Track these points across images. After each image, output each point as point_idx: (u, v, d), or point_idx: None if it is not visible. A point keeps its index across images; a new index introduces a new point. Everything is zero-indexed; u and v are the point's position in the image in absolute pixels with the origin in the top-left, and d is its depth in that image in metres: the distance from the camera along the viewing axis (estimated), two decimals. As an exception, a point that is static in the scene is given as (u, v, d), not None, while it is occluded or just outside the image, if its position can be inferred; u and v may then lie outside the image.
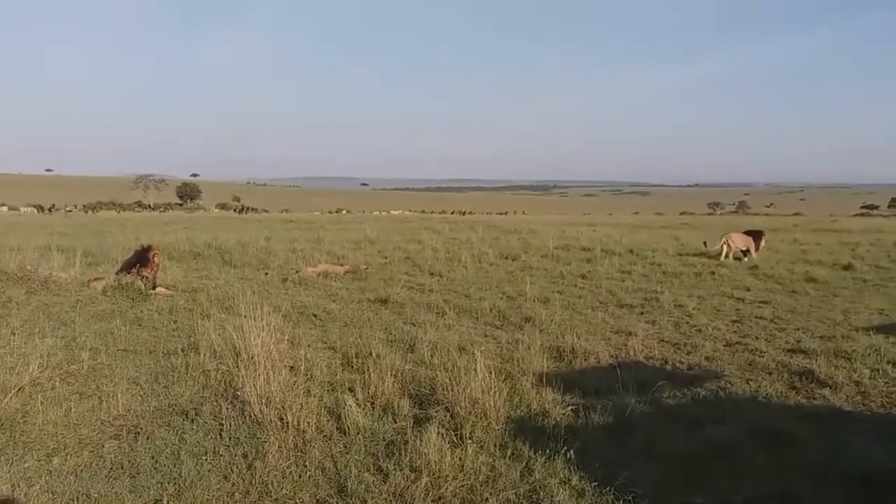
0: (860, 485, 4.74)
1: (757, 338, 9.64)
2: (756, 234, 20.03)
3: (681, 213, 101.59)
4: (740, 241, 19.54)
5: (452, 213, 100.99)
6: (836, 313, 11.54)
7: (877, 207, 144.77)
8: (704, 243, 20.67)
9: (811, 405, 6.72)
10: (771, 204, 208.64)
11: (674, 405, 6.61)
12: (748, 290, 14.12)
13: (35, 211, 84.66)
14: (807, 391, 7.13)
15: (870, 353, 8.33)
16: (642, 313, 11.59)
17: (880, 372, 7.70)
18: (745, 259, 19.02)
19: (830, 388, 7.15)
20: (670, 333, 9.98)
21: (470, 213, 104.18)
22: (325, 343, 8.85)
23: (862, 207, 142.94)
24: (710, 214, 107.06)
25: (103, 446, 5.30)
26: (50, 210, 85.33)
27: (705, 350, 8.88)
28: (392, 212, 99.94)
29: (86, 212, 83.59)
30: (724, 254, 19.09)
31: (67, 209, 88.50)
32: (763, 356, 8.53)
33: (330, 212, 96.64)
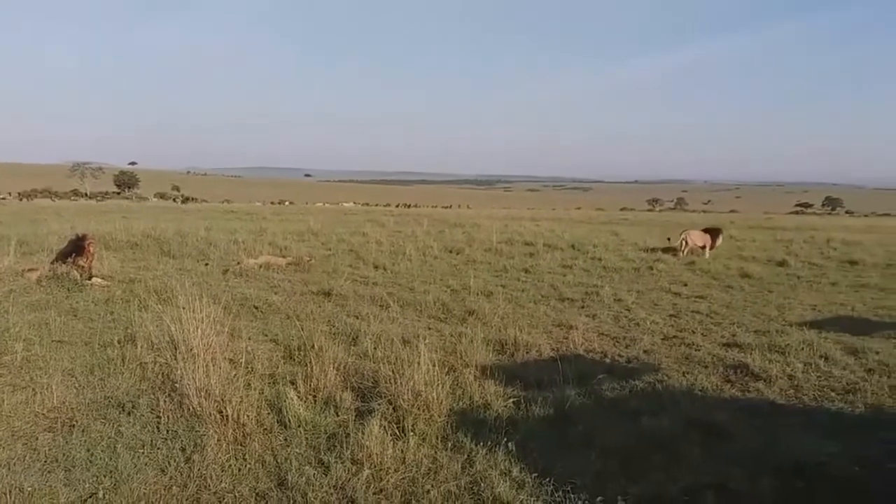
0: (793, 476, 4.89)
1: (693, 332, 9.89)
2: (714, 232, 20.53)
3: (621, 209, 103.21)
4: (698, 238, 20.04)
5: (397, 205, 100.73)
6: (770, 308, 11.90)
7: (811, 206, 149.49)
8: (668, 239, 21.37)
9: (746, 398, 6.90)
10: (708, 201, 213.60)
11: (613, 397, 6.72)
12: (685, 285, 14.43)
13: None
14: (742, 384, 7.33)
15: (803, 348, 8.58)
16: (583, 307, 11.75)
17: (813, 366, 7.95)
18: (704, 255, 19.46)
19: (764, 381, 7.36)
20: (610, 327, 10.16)
21: (415, 206, 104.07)
22: (267, 335, 8.77)
23: (796, 205, 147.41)
24: (649, 210, 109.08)
25: (37, 439, 5.18)
26: None
27: (643, 344, 9.05)
28: (344, 204, 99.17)
29: (20, 199, 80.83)
30: (682, 249, 19.50)
31: (1, 196, 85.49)
32: (699, 350, 8.76)
33: (273, 203, 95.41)
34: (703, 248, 19.87)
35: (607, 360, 8.21)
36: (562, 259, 18.17)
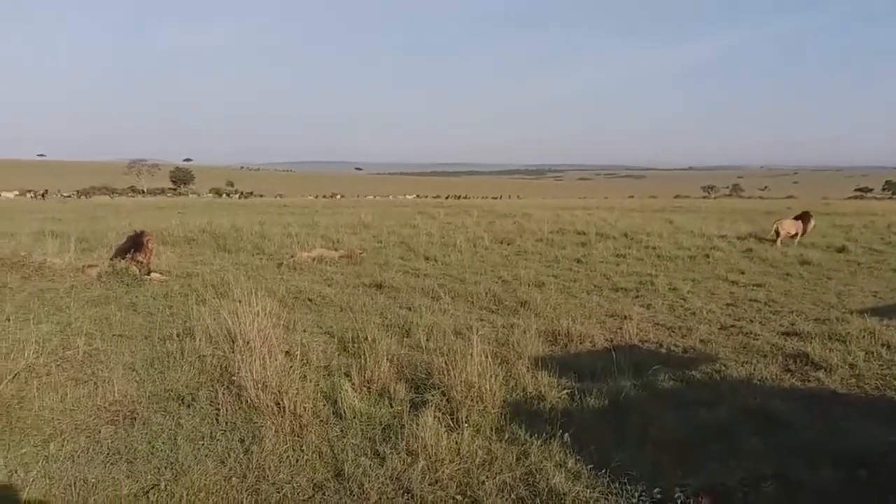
0: (854, 465, 4.76)
1: (751, 321, 9.68)
2: (804, 218, 20.17)
3: (675, 197, 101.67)
4: (791, 227, 19.73)
5: (447, 197, 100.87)
6: (830, 296, 11.59)
7: (870, 190, 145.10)
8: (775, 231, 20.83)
9: (806, 387, 6.73)
10: (765, 187, 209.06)
11: (669, 388, 6.62)
12: (742, 273, 14.13)
13: (19, 196, 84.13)
14: (801, 374, 7.15)
15: (864, 336, 8.34)
16: (637, 297, 11.59)
17: (874, 354, 7.72)
18: (794, 242, 19.19)
19: (825, 370, 7.17)
20: (665, 317, 10.00)
21: (465, 197, 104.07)
22: (321, 328, 8.85)
23: (856, 190, 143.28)
24: (704, 198, 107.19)
25: (100, 431, 5.30)
26: (43, 196, 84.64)
27: (700, 333, 8.89)
28: (407, 196, 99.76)
29: (79, 197, 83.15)
30: (777, 239, 19.20)
31: (66, 195, 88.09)
32: (758, 339, 8.56)
33: (324, 196, 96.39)
34: (795, 235, 19.53)
35: (663, 351, 8.09)
36: (615, 248, 17.94)
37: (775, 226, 19.74)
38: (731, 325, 9.38)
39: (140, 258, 12.36)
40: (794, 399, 6.27)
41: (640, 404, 6.02)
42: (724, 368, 7.30)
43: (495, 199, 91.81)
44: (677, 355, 7.89)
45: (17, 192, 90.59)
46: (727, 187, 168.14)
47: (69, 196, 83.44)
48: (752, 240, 19.68)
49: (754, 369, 7.26)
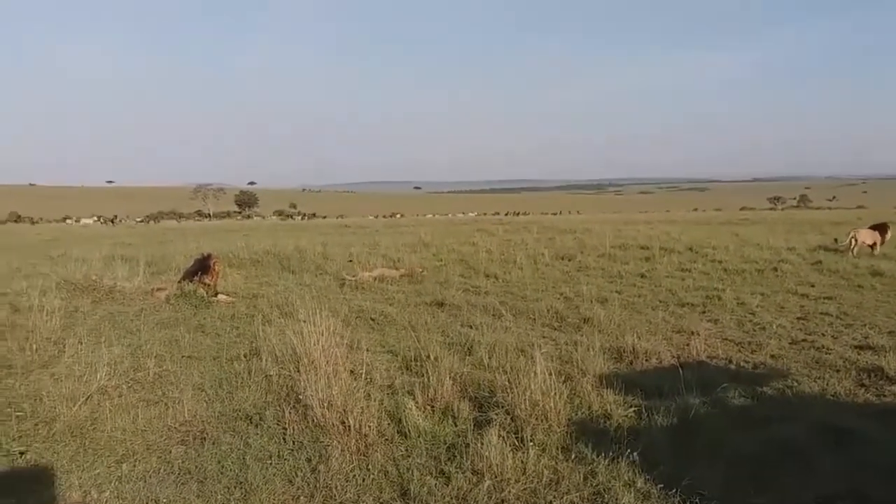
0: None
1: (823, 335, 9.38)
2: (881, 227, 19.65)
3: (741, 209, 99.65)
4: (867, 237, 19.23)
5: (506, 214, 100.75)
6: (904, 308, 11.16)
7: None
8: (835, 240, 20.40)
9: (881, 402, 6.50)
10: (833, 197, 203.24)
11: (739, 405, 6.45)
12: (812, 286, 13.73)
13: (97, 222, 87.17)
14: (876, 388, 6.90)
15: (942, 349, 8.02)
16: (704, 312, 11.35)
17: (954, 368, 7.39)
18: (874, 252, 18.73)
19: (901, 384, 6.92)
20: (733, 332, 9.76)
21: (524, 213, 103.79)
22: (384, 346, 8.90)
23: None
24: (770, 209, 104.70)
25: (171, 452, 5.41)
26: (112, 221, 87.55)
27: (770, 348, 8.64)
28: (469, 214, 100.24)
29: (147, 222, 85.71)
30: (852, 248, 18.80)
31: (138, 220, 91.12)
32: (830, 353, 8.29)
33: (384, 216, 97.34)
34: (873, 245, 18.98)
35: (732, 367, 7.89)
36: (679, 262, 17.61)
37: (851, 235, 19.17)
38: (802, 340, 9.10)
39: (207, 280, 12.64)
40: (869, 415, 6.05)
41: (709, 422, 5.87)
42: (795, 384, 7.08)
43: (555, 215, 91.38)
44: (747, 371, 7.68)
45: (94, 219, 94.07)
46: (794, 198, 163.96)
47: (140, 221, 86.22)
48: (821, 251, 19.12)
49: (827, 384, 7.03)
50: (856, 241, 18.81)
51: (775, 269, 15.94)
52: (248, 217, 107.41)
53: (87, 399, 6.26)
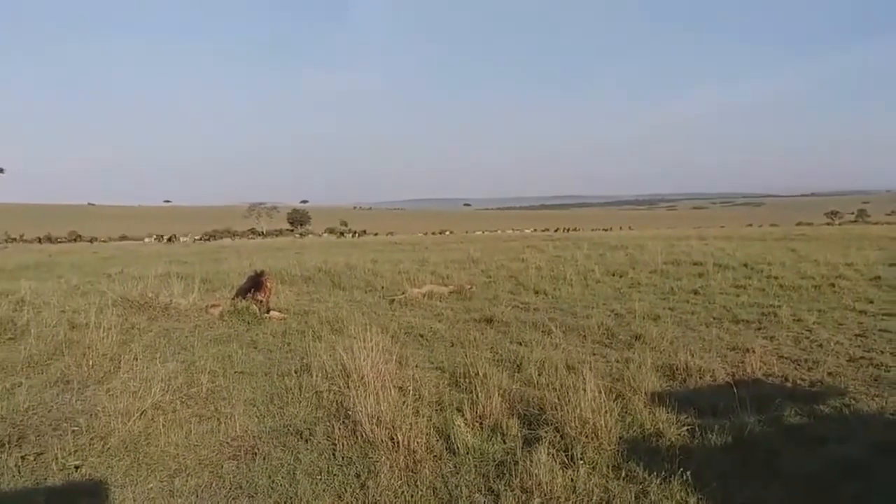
0: None
1: (882, 352, 9.09)
2: None
3: (797, 224, 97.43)
4: None
5: (556, 230, 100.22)
6: (969, 325, 10.77)
7: None
8: None
9: (945, 422, 6.27)
10: (893, 212, 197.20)
11: (796, 423, 6.28)
12: (871, 302, 13.34)
13: (154, 241, 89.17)
14: (938, 407, 6.67)
15: None
16: (759, 329, 11.10)
17: None
18: None
19: (964, 403, 6.68)
20: (790, 349, 9.53)
21: (574, 229, 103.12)
22: (433, 363, 8.90)
23: None
24: (828, 224, 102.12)
25: (222, 467, 5.48)
26: (171, 240, 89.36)
27: (827, 366, 8.41)
28: (518, 230, 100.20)
29: (205, 240, 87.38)
30: None
31: (196, 238, 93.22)
32: (889, 371, 8.06)
33: (434, 233, 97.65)
34: None
35: (788, 385, 7.69)
36: (734, 279, 17.26)
37: None
38: (861, 357, 8.83)
39: (260, 297, 12.81)
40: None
41: (765, 440, 5.75)
42: (853, 402, 6.87)
43: (606, 230, 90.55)
44: (803, 389, 7.48)
45: (152, 238, 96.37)
46: (852, 213, 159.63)
47: (199, 239, 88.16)
48: (880, 267, 18.59)
49: (886, 403, 6.82)
50: None
51: (832, 286, 15.54)
52: (302, 235, 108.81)
53: (141, 414, 6.39)
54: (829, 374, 8.09)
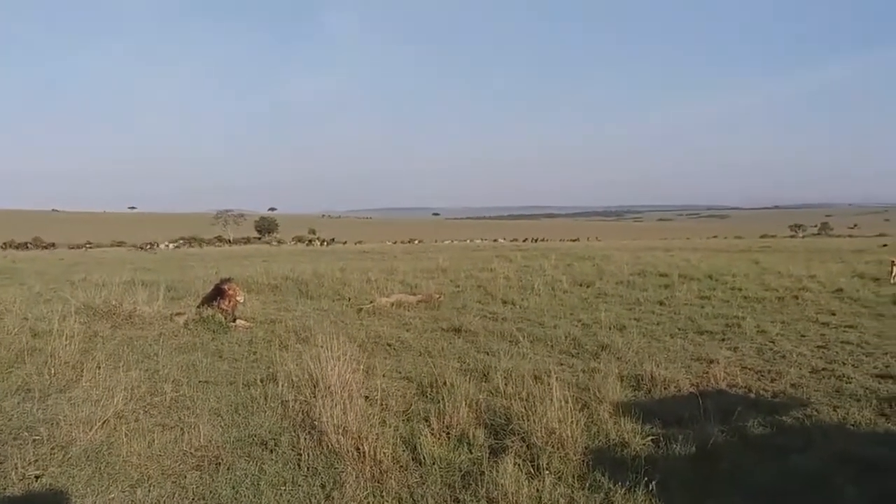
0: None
1: (844, 363, 9.26)
2: None
3: (761, 236, 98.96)
4: None
5: (525, 240, 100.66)
6: (926, 337, 11.02)
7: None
8: (892, 262, 20.17)
9: (904, 432, 6.40)
10: (854, 225, 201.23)
11: (759, 434, 6.37)
12: (833, 314, 13.61)
13: (133, 248, 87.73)
14: (898, 418, 6.80)
15: (964, 378, 7.92)
16: (724, 340, 11.26)
17: (976, 397, 7.28)
18: None
19: (923, 414, 6.81)
20: (753, 360, 9.66)
21: (542, 240, 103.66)
22: (400, 373, 8.88)
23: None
24: (791, 237, 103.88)
25: (185, 477, 5.39)
26: (150, 247, 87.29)
27: (790, 377, 8.55)
28: (486, 240, 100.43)
29: (177, 247, 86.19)
30: (892, 275, 18.95)
31: (174, 245, 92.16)
32: (850, 382, 8.20)
33: (403, 242, 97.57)
34: None
35: (751, 395, 7.80)
36: (699, 290, 17.50)
37: (893, 262, 19.40)
38: (823, 369, 8.99)
39: (225, 306, 12.68)
40: (891, 445, 5.94)
41: (729, 451, 5.81)
42: (815, 413, 6.99)
43: (574, 241, 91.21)
44: (766, 400, 7.59)
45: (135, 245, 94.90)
46: (815, 226, 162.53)
47: (177, 246, 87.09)
48: (843, 279, 18.97)
49: (847, 414, 6.94)
50: None
51: (796, 297, 15.83)
52: (279, 242, 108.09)
53: (103, 423, 6.28)
54: (792, 385, 8.22)
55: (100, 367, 8.32)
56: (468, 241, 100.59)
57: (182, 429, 6.39)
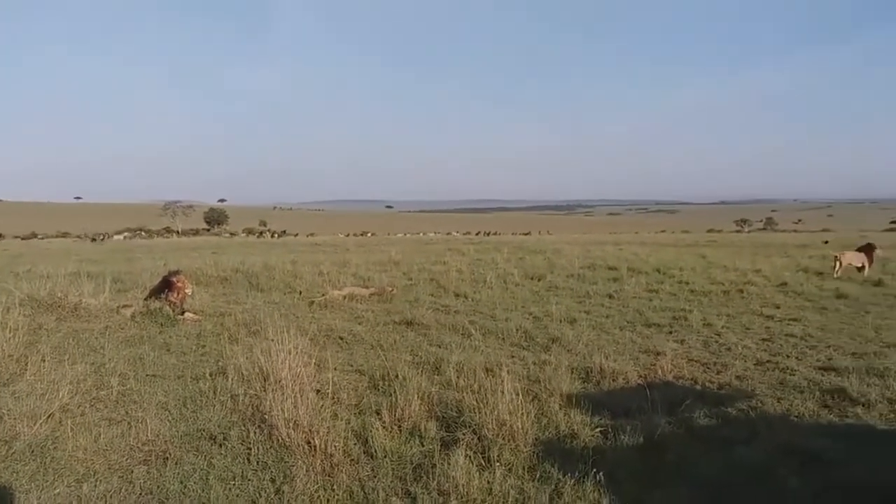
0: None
1: (788, 356, 9.51)
2: (868, 249, 20.18)
3: (708, 231, 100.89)
4: (855, 259, 19.80)
5: (477, 234, 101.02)
6: (867, 330, 11.38)
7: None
8: (835, 256, 20.59)
9: (844, 424, 6.59)
10: (799, 220, 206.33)
11: (705, 425, 6.50)
12: (778, 307, 13.95)
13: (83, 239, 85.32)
14: (839, 409, 6.99)
15: (903, 370, 8.19)
16: (671, 332, 11.46)
17: (914, 389, 7.54)
18: (863, 274, 19.23)
19: (863, 406, 7.01)
20: (700, 353, 9.86)
21: (495, 233, 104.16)
22: (352, 366, 8.84)
23: (892, 222, 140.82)
24: (737, 232, 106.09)
25: (132, 472, 5.31)
26: (102, 238, 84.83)
27: (735, 369, 8.75)
28: (440, 233, 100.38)
29: (124, 239, 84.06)
30: (836, 270, 19.38)
31: (124, 236, 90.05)
32: (794, 374, 8.41)
33: (355, 234, 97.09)
34: (862, 267, 19.52)
35: (698, 387, 7.96)
36: (647, 283, 17.79)
37: (836, 257, 19.85)
38: (767, 361, 9.22)
39: (173, 298, 12.48)
40: (833, 436, 6.12)
41: (675, 442, 5.93)
42: (760, 405, 7.16)
43: (525, 235, 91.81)
44: (712, 392, 7.75)
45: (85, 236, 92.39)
46: (760, 221, 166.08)
47: (129, 237, 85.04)
48: (787, 273, 19.48)
49: (791, 405, 7.13)
50: (840, 263, 19.39)
51: (741, 291, 16.19)
52: (219, 235, 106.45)
53: (48, 417, 6.15)
54: (737, 377, 8.40)
55: (44, 361, 8.14)
56: (421, 234, 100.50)
57: (129, 423, 6.29)
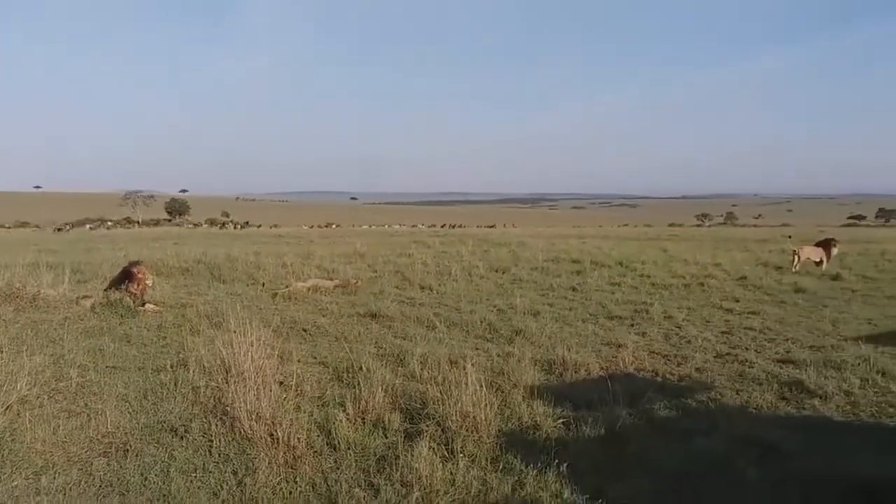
0: (854, 494, 4.75)
1: (747, 348, 9.67)
2: (826, 244, 20.57)
3: (669, 225, 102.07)
4: (812, 253, 20.17)
5: (442, 226, 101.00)
6: (825, 323, 11.62)
7: (864, 217, 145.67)
8: (794, 251, 20.84)
9: (801, 415, 6.72)
10: (759, 215, 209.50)
11: (665, 417, 6.61)
12: (737, 301, 14.19)
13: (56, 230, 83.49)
14: (797, 401, 7.14)
15: (859, 363, 8.37)
16: (632, 325, 11.60)
17: (870, 381, 7.71)
18: (821, 268, 19.52)
19: (820, 398, 7.17)
20: (660, 345, 9.99)
21: (460, 226, 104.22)
22: (316, 358, 8.81)
23: (849, 218, 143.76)
24: (698, 226, 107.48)
25: (92, 464, 5.24)
26: (68, 228, 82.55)
27: (695, 361, 8.88)
28: (405, 226, 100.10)
29: (89, 229, 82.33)
30: (795, 264, 19.73)
31: (108, 225, 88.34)
32: (753, 367, 8.56)
33: (320, 226, 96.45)
34: (820, 262, 19.86)
35: (658, 379, 8.07)
36: (609, 276, 17.97)
37: (794, 251, 20.18)
38: (727, 353, 9.38)
39: (134, 289, 12.31)
40: (791, 427, 6.25)
41: (636, 433, 6.02)
42: (719, 397, 7.29)
43: (490, 228, 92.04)
44: (673, 384, 7.87)
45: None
46: (721, 215, 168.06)
47: (93, 228, 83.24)
48: (747, 267, 19.80)
49: (750, 397, 7.26)
50: (798, 257, 19.75)
51: (701, 284, 16.45)
52: (180, 225, 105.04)
53: (6, 409, 6.03)
54: (697, 369, 8.54)
55: (2, 352, 7.95)
56: (386, 226, 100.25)
57: (88, 415, 6.20)
